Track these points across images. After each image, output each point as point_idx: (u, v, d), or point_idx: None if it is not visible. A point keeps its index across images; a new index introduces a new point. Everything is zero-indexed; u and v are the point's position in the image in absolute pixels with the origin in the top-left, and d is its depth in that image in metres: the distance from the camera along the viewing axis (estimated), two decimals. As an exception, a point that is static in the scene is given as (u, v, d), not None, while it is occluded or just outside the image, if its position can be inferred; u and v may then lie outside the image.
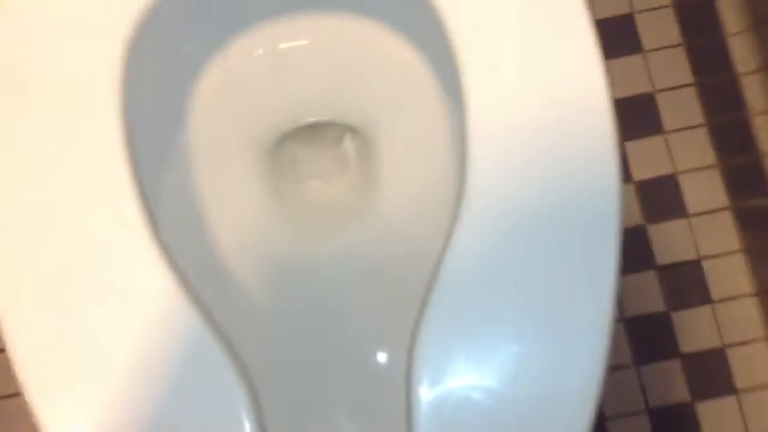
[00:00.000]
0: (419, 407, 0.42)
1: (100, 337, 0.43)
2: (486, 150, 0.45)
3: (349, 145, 0.67)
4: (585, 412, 0.42)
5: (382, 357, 0.57)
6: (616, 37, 0.93)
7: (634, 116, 0.91)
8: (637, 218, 0.89)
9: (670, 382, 0.86)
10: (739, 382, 0.86)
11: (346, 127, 0.64)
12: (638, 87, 0.92)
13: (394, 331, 0.53)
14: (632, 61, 0.92)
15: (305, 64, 0.60)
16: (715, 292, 0.88)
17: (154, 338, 0.43)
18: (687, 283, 0.88)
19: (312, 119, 0.62)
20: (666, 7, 0.94)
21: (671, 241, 0.89)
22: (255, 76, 0.60)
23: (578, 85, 0.46)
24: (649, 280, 0.88)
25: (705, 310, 0.88)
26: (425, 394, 0.42)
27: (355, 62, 0.61)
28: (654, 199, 0.90)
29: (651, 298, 0.88)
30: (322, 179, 0.66)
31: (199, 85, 0.59)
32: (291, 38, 0.60)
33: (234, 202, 0.60)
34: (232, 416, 0.42)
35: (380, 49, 0.60)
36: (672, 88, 0.92)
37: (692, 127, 0.92)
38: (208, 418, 0.42)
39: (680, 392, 0.86)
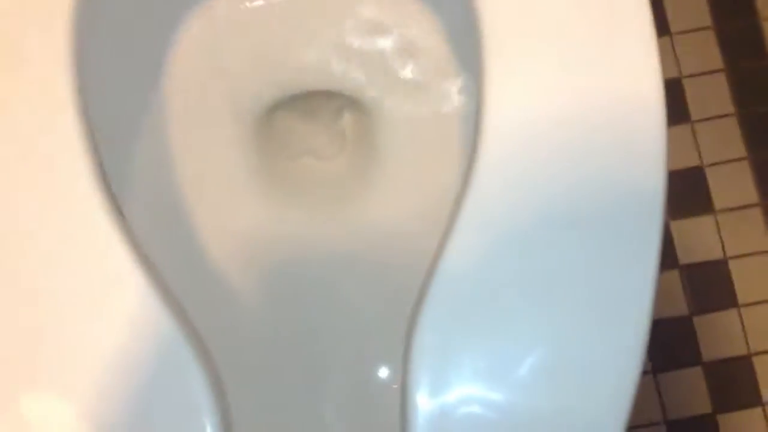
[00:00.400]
0: (416, 419, 0.38)
1: (59, 338, 0.40)
2: (502, 142, 0.41)
3: (348, 121, 0.61)
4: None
5: (376, 354, 0.54)
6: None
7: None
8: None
9: (691, 392, 0.83)
10: (766, 394, 0.83)
11: (345, 100, 0.59)
12: (665, 72, 0.86)
13: (390, 326, 0.50)
14: (660, 44, 0.86)
15: (305, 21, 0.56)
16: (742, 296, 0.84)
17: (121, 338, 0.40)
18: (712, 285, 0.85)
19: (308, 87, 0.57)
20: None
21: (696, 240, 0.85)
22: (244, 33, 0.55)
23: (628, 80, 0.41)
24: (670, 281, 0.85)
25: (731, 315, 0.84)
26: (424, 404, 0.39)
27: (362, 25, 0.57)
28: (678, 193, 0.86)
29: (672, 301, 0.84)
30: (317, 157, 0.61)
31: (178, 40, 0.54)
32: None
33: (216, 179, 0.56)
34: (194, 420, 0.39)
35: (392, 12, 0.56)
36: (701, 74, 0.88)
37: (721, 117, 0.87)
38: (170, 420, 0.40)
39: (701, 403, 0.83)
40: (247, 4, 0.55)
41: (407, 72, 0.57)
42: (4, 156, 0.42)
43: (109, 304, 0.40)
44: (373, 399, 0.53)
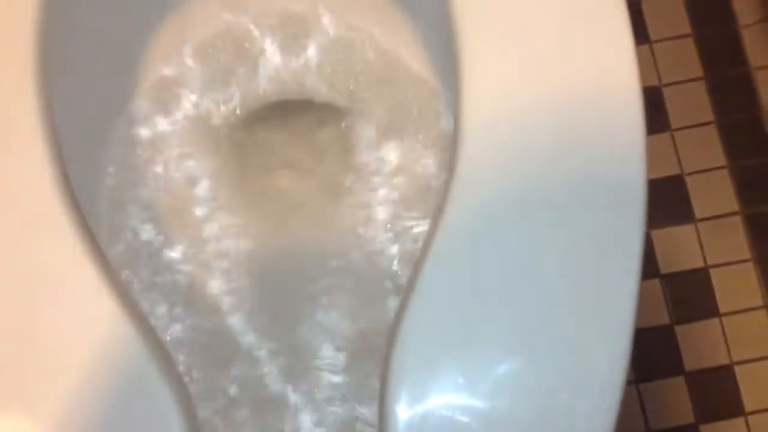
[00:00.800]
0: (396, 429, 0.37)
1: (23, 355, 0.39)
2: (481, 139, 0.40)
3: (325, 133, 0.60)
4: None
5: (353, 365, 0.52)
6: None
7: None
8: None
9: (673, 402, 0.81)
10: (749, 404, 0.81)
11: (324, 109, 0.57)
12: (644, 80, 0.85)
13: (365, 352, 0.50)
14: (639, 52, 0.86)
15: (280, 30, 0.54)
16: (724, 304, 0.83)
17: (87, 356, 0.38)
18: (693, 294, 0.83)
19: (286, 96, 0.56)
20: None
21: (676, 248, 0.84)
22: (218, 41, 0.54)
23: (605, 69, 0.41)
24: (652, 290, 0.83)
25: (712, 324, 0.83)
26: (403, 414, 0.37)
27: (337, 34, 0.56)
28: (659, 202, 0.85)
29: (654, 310, 0.83)
30: (294, 169, 0.60)
31: (149, 49, 0.53)
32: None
33: (190, 191, 0.54)
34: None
35: (367, 18, 0.55)
36: (680, 82, 0.87)
37: (701, 125, 0.86)
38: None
39: (684, 413, 0.81)
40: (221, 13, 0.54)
41: (385, 81, 0.56)
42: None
43: (76, 321, 0.39)
44: (351, 410, 0.51)
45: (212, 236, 0.55)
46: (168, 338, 0.51)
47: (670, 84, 0.87)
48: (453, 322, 0.38)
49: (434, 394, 0.37)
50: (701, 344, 0.82)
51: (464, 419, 0.37)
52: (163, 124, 0.53)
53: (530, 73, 0.41)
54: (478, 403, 0.37)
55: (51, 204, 0.39)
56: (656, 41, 0.88)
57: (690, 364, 0.82)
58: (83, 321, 0.39)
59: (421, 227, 0.53)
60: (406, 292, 0.40)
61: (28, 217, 0.39)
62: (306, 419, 0.51)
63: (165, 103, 0.54)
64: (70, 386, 0.38)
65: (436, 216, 0.40)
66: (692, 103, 0.86)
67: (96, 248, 0.40)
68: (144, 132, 0.53)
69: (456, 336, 0.38)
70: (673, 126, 0.86)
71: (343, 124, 0.58)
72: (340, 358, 0.52)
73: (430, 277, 0.39)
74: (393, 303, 0.52)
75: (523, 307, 0.38)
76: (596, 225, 0.39)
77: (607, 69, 0.41)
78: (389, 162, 0.56)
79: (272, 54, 0.55)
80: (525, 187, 0.39)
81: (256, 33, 0.55)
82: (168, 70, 0.54)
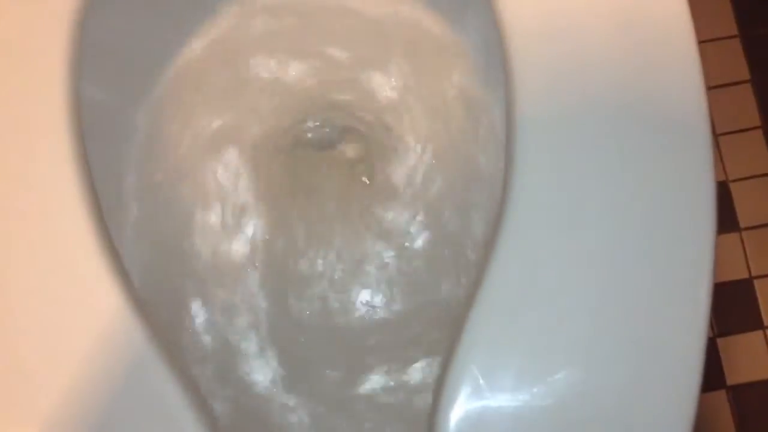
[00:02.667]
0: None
1: (25, 353, 0.39)
2: (537, 139, 0.39)
3: (356, 151, 0.58)
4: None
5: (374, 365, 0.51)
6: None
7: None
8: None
9: (716, 417, 0.79)
10: None
11: (354, 129, 0.55)
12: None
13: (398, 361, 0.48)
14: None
15: (310, 47, 0.52)
16: None
17: (94, 355, 0.38)
18: (736, 306, 0.81)
19: (315, 120, 0.54)
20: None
21: (720, 258, 0.80)
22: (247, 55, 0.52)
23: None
24: None
25: (756, 337, 0.81)
26: (460, 409, 0.37)
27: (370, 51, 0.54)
28: None
29: None
30: (324, 195, 0.58)
31: (178, 63, 0.51)
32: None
33: (215, 206, 0.53)
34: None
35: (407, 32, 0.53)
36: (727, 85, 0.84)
37: (748, 130, 0.83)
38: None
39: (726, 428, 0.79)
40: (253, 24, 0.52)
41: (421, 97, 0.54)
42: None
43: (81, 313, 0.39)
44: (373, 406, 0.50)
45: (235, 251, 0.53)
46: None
47: (716, 87, 0.84)
48: (520, 319, 0.38)
49: (494, 391, 0.37)
50: (745, 358, 0.80)
51: (520, 419, 0.36)
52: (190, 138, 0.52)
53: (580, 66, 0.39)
54: (539, 403, 0.36)
55: (69, 198, 0.40)
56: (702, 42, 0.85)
57: (733, 378, 0.79)
58: (89, 313, 0.38)
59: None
60: (474, 287, 0.39)
61: (44, 208, 0.40)
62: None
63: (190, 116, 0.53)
64: (72, 378, 0.38)
65: (497, 223, 0.39)
66: (738, 105, 0.84)
67: (109, 245, 0.40)
68: (170, 145, 0.52)
69: (522, 332, 0.37)
70: (718, 131, 0.84)
71: (372, 142, 0.56)
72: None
73: (497, 273, 0.38)
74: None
75: (592, 309, 0.37)
76: (662, 230, 0.38)
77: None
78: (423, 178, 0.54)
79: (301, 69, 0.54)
80: (588, 191, 0.38)
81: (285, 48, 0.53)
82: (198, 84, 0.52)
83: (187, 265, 0.51)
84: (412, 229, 0.53)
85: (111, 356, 0.38)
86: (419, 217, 0.53)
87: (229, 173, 0.53)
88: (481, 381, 0.37)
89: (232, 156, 0.53)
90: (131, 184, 0.51)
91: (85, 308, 0.39)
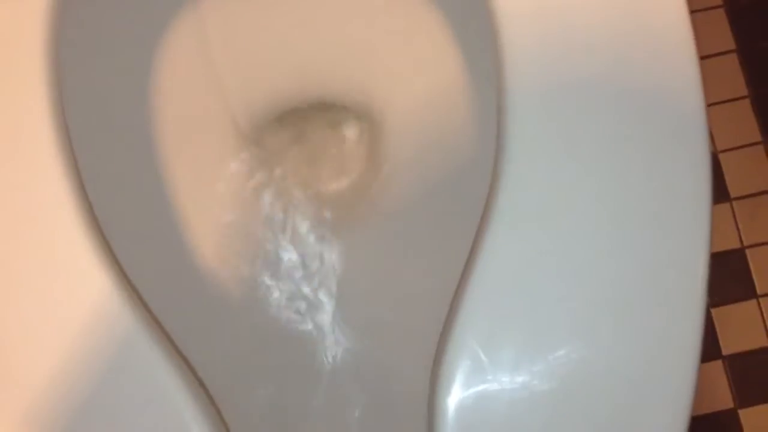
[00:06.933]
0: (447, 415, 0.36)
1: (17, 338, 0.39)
2: (530, 125, 0.39)
3: (351, 135, 0.58)
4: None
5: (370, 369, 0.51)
6: None
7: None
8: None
9: (712, 387, 0.80)
10: None
11: (345, 110, 0.55)
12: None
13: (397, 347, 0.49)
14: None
15: (304, 28, 0.52)
16: (762, 285, 0.81)
17: (84, 341, 0.38)
18: (729, 276, 0.81)
19: (304, 99, 0.54)
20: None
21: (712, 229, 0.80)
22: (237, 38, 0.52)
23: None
24: None
25: (749, 306, 0.81)
26: (458, 392, 0.37)
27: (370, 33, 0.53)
28: None
29: None
30: (318, 174, 0.58)
31: (166, 46, 0.51)
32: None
33: (210, 192, 0.53)
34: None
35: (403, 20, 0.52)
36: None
37: (735, 100, 0.83)
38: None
39: (723, 398, 0.79)
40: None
41: (417, 83, 0.54)
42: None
43: (67, 297, 0.38)
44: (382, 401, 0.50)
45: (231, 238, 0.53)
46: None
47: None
48: (516, 297, 0.37)
49: (495, 370, 0.36)
50: (739, 327, 0.80)
51: (522, 399, 0.36)
52: (181, 124, 0.52)
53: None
54: (538, 385, 0.36)
55: (56, 189, 0.39)
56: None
57: (728, 347, 0.80)
58: (75, 297, 0.38)
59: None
60: (460, 283, 0.39)
61: (33, 201, 0.39)
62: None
63: (182, 103, 0.52)
64: (59, 362, 0.37)
65: (486, 211, 0.39)
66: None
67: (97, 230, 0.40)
68: (162, 132, 0.52)
69: (519, 312, 0.37)
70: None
71: (367, 127, 0.56)
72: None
73: (486, 268, 0.38)
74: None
75: (579, 298, 0.37)
76: (656, 227, 0.38)
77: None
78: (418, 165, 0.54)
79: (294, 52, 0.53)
80: (579, 185, 0.38)
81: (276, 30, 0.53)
82: (187, 69, 0.52)
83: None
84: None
85: (99, 338, 0.38)
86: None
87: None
88: (483, 357, 0.37)
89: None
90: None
91: (69, 289, 0.38)
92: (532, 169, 0.38)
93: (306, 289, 0.52)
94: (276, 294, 0.52)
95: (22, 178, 0.40)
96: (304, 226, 0.53)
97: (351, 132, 0.56)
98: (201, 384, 0.40)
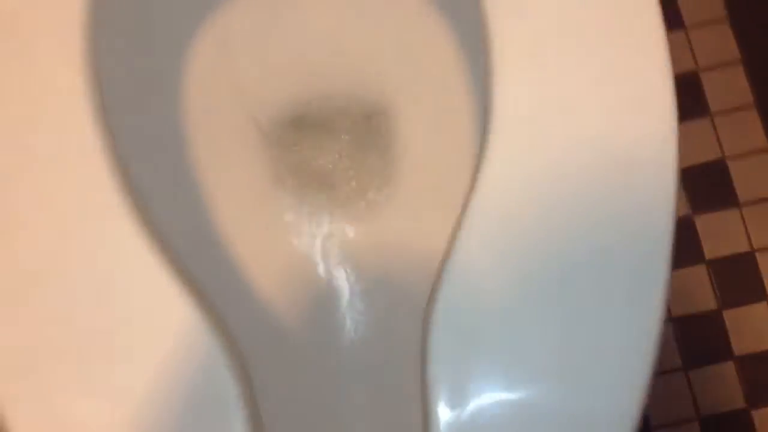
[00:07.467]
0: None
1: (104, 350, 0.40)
2: (508, 155, 0.41)
3: (364, 131, 0.61)
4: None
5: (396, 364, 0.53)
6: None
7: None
8: (683, 208, 0.83)
9: (724, 388, 0.81)
10: None
11: (357, 110, 0.58)
12: (681, 65, 0.85)
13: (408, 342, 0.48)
14: (673, 38, 0.86)
15: (314, 32, 0.56)
16: None
17: (164, 359, 0.39)
18: (740, 279, 0.82)
19: (323, 95, 0.57)
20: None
21: (722, 233, 0.83)
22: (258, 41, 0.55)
23: (638, 86, 0.41)
24: (698, 275, 0.83)
25: (760, 308, 0.82)
26: (445, 414, 0.38)
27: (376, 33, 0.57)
28: (701, 187, 0.84)
29: (701, 296, 0.82)
30: (334, 173, 0.60)
31: (190, 51, 0.54)
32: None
33: (238, 194, 0.56)
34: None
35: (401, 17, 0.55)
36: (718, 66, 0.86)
37: (740, 108, 0.85)
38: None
39: (734, 398, 0.80)
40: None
41: (423, 79, 0.57)
42: (31, 177, 0.42)
43: (153, 324, 0.40)
44: (392, 403, 0.52)
45: (258, 235, 0.56)
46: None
47: (707, 69, 0.86)
48: (483, 320, 0.39)
49: (473, 392, 0.38)
50: (750, 328, 0.81)
51: (503, 412, 0.38)
52: (206, 127, 0.55)
53: (560, 88, 0.41)
54: (515, 397, 0.38)
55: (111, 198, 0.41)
56: (691, 26, 0.87)
57: (740, 348, 0.81)
58: (155, 320, 0.40)
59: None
60: (433, 289, 0.41)
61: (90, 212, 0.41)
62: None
63: (207, 107, 0.56)
64: (145, 380, 0.39)
65: (462, 213, 0.41)
66: (731, 87, 0.85)
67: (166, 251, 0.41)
68: (189, 136, 0.55)
69: (487, 335, 0.39)
70: (713, 110, 0.85)
71: (380, 123, 0.58)
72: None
73: (455, 278, 0.39)
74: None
75: (550, 307, 0.39)
76: (623, 238, 0.40)
77: (636, 86, 0.42)
78: (428, 159, 0.57)
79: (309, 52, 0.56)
80: (550, 198, 0.40)
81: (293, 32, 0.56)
82: (211, 74, 0.55)
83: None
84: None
85: (182, 361, 0.39)
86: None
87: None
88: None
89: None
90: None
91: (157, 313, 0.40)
92: (509, 171, 0.40)
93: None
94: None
95: (79, 201, 0.41)
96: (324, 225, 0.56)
97: (365, 128, 0.59)
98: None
